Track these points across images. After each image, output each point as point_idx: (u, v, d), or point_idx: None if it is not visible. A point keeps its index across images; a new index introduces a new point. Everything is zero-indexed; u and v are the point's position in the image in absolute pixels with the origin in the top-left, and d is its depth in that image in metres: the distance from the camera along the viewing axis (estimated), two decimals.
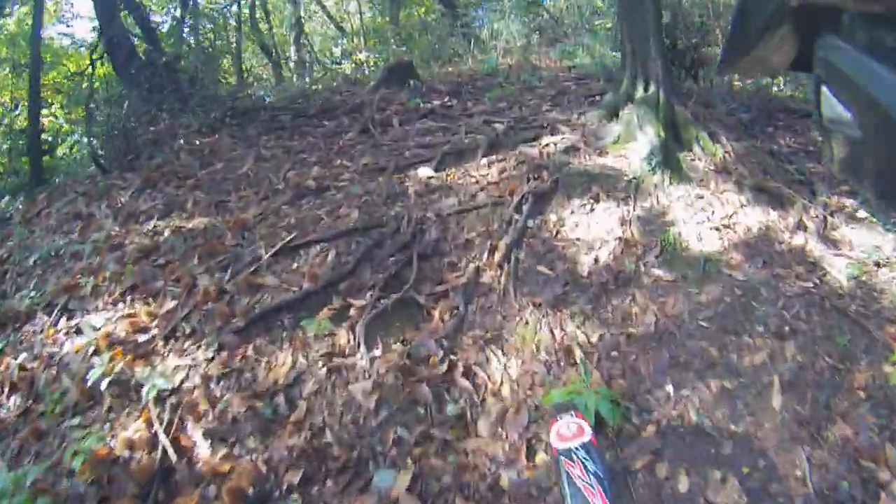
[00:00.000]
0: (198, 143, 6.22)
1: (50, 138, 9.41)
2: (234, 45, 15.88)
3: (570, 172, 4.25)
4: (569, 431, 1.41)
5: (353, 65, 14.24)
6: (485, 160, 4.75)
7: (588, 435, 1.42)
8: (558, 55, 12.24)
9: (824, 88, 0.55)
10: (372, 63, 13.43)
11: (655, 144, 4.20)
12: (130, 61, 7.42)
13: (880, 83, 0.45)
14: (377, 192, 4.38)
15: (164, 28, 10.68)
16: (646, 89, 4.78)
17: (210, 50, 8.05)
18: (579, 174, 4.20)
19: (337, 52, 19.77)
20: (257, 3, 17.76)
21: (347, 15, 19.03)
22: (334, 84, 9.64)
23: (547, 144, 4.81)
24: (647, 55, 4.87)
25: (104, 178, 5.95)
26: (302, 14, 18.14)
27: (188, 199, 4.88)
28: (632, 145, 4.44)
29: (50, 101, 10.86)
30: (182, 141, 6.41)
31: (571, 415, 1.50)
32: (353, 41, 18.48)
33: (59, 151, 9.67)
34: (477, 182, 4.42)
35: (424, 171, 4.69)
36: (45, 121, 9.48)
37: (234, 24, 17.02)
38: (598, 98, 5.86)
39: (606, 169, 4.24)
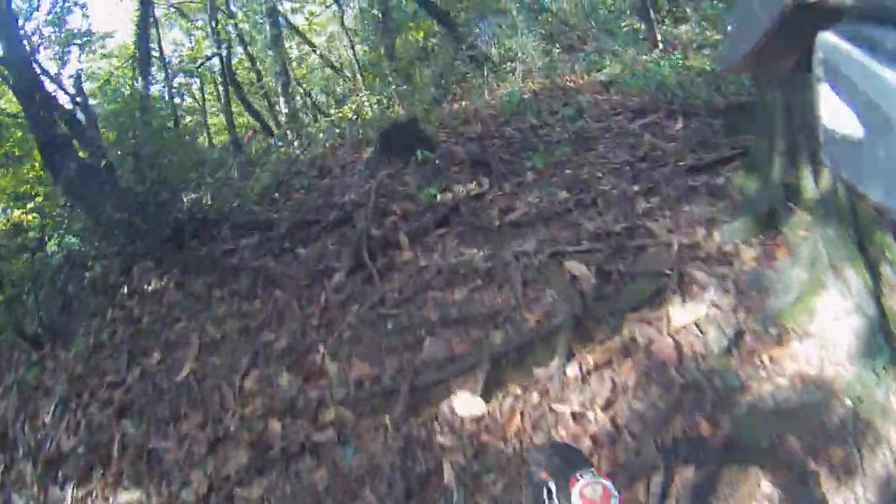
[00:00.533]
0: (135, 304, 4.44)
1: None
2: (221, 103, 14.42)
3: (745, 411, 2.29)
4: (595, 495, 1.21)
5: (353, 105, 12.55)
6: (571, 367, 2.70)
7: (615, 499, 1.21)
8: (584, 67, 10.32)
9: (824, 88, 0.52)
10: (374, 102, 11.64)
11: (871, 313, 2.25)
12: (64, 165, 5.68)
13: (880, 83, 0.43)
14: (383, 455, 2.47)
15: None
16: (815, 177, 2.81)
17: (169, 133, 6.24)
18: (762, 412, 2.25)
19: (338, 90, 18.21)
20: (242, 52, 16.26)
21: (341, 51, 17.38)
22: (325, 147, 7.86)
23: (681, 327, 2.72)
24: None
25: (33, 368, 4.27)
26: (290, 58, 16.49)
27: (114, 439, 3.13)
28: (824, 310, 2.45)
29: None
30: (124, 292, 4.67)
31: (592, 474, 1.27)
32: (349, 80, 16.83)
33: None
34: (566, 428, 2.43)
35: (464, 404, 2.68)
36: None
37: (215, 80, 15.49)
38: (699, 165, 3.94)
39: (803, 389, 2.28)
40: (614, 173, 4.18)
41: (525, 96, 8.13)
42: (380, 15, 15.58)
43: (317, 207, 4.82)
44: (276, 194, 5.85)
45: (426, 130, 5.98)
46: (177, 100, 15.94)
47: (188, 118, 18.01)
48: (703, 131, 4.61)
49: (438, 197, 4.48)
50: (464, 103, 9.76)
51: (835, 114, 0.51)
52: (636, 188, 3.88)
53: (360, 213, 4.39)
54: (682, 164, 4.03)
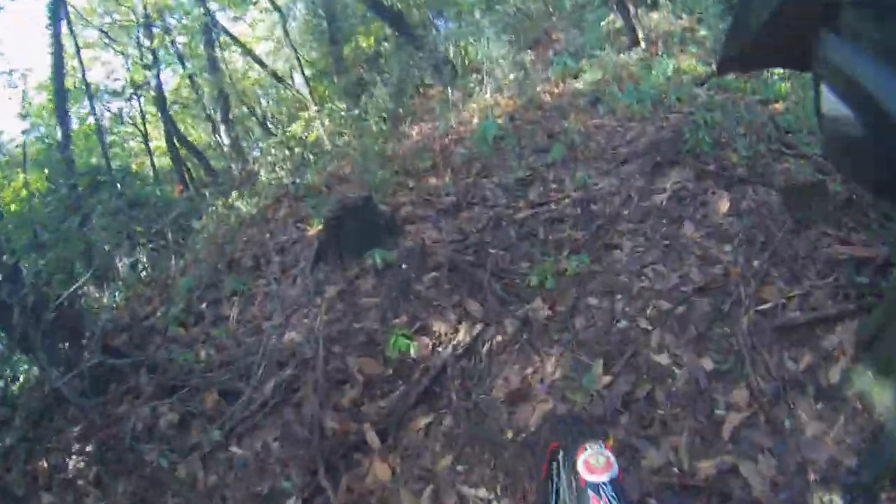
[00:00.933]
0: None
1: None
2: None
3: None
4: (598, 464, 1.31)
5: (302, 123, 11.20)
6: None
7: (615, 469, 1.31)
8: (558, 72, 9.09)
9: (824, 87, 0.54)
10: (327, 123, 10.27)
11: None
12: None
13: (880, 82, 0.45)
14: None
15: None
16: None
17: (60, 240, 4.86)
18: None
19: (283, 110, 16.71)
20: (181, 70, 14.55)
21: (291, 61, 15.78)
22: (265, 204, 6.58)
23: None
24: None
25: None
26: (229, 75, 14.88)
27: None
28: None
29: None
30: None
31: (600, 445, 1.36)
32: (295, 92, 15.31)
33: None
34: None
35: None
36: None
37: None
38: (793, 323, 2.67)
39: None
40: (665, 322, 2.95)
41: (499, 121, 6.89)
42: (324, 23, 14.01)
43: (248, 366, 3.46)
44: (204, 305, 4.52)
45: (385, 211, 4.69)
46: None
47: (130, 142, 16.36)
48: (763, 221, 3.38)
49: (413, 349, 3.23)
50: (426, 128, 8.48)
51: (834, 111, 0.51)
52: (709, 366, 2.62)
53: (307, 378, 3.11)
54: (764, 306, 2.86)
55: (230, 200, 7.55)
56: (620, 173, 4.54)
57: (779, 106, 6.17)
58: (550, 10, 16.21)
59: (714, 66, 7.82)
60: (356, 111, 9.53)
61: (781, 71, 6.44)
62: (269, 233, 5.51)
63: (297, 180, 7.26)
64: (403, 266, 3.59)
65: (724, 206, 3.88)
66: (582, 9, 12.73)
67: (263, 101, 18.41)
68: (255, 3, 14.85)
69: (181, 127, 15.68)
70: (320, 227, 4.85)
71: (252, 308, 4.25)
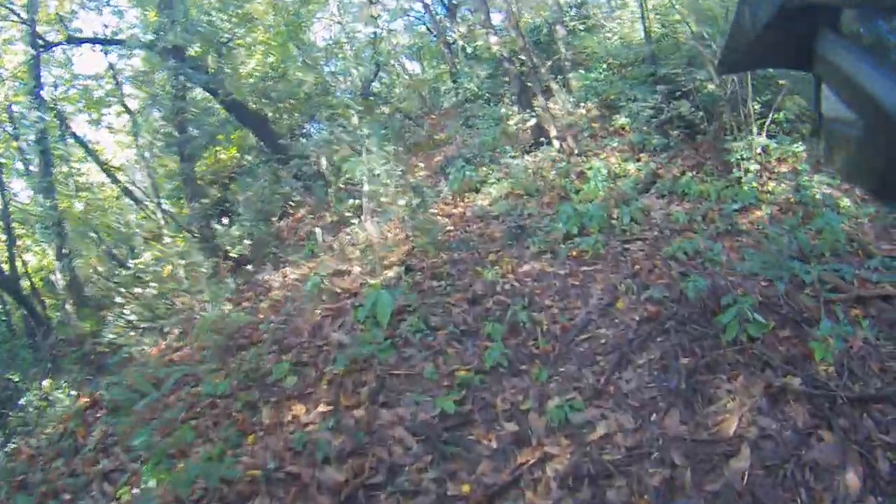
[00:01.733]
0: None
1: None
2: None
3: None
4: None
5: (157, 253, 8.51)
6: None
7: None
8: (457, 186, 7.30)
9: (824, 87, 0.54)
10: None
11: None
12: None
13: (880, 82, 0.44)
14: None
15: None
16: None
17: None
18: None
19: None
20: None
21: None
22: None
23: None
24: None
25: None
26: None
27: None
28: None
29: None
30: None
31: None
32: (150, 216, 12.44)
33: None
34: None
35: None
36: None
37: None
38: None
39: None
40: None
41: (391, 273, 4.81)
42: (175, 132, 11.35)
43: None
44: None
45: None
46: None
47: None
48: None
49: None
50: (292, 277, 6.26)
51: (834, 112, 0.51)
52: None
53: None
54: None
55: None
56: (625, 395, 2.55)
57: (760, 213, 4.68)
58: (427, 106, 14.79)
59: (644, 166, 6.45)
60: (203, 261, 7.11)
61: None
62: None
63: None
64: None
65: (856, 482, 1.96)
66: (469, 103, 11.35)
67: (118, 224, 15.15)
68: (109, 106, 12.01)
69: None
70: None
71: None
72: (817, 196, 4.31)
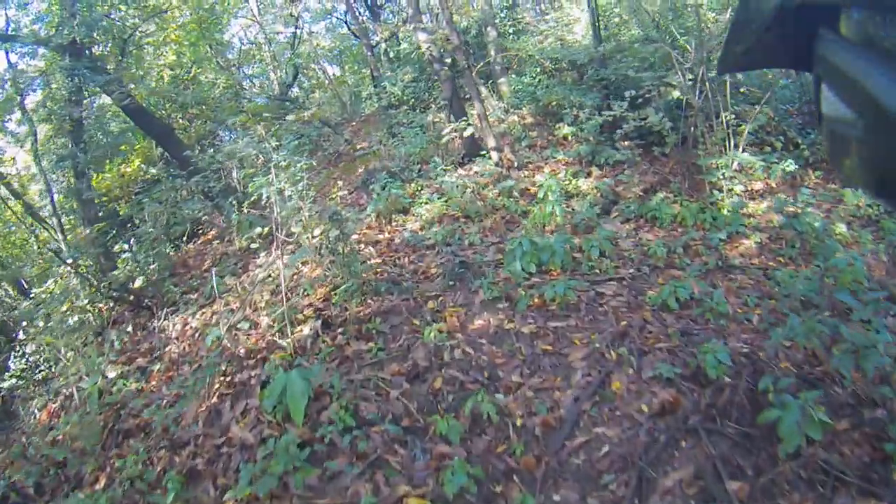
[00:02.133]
0: None
1: None
2: None
3: None
4: None
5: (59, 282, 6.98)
6: None
7: None
8: (382, 208, 6.22)
9: (824, 87, 0.53)
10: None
11: None
12: None
13: (880, 82, 0.44)
14: None
15: None
16: None
17: None
18: None
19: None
20: None
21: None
22: None
23: None
24: None
25: None
26: None
27: None
28: None
29: None
30: None
31: None
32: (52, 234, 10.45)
33: None
34: None
35: None
36: None
37: None
38: None
39: None
40: None
41: (307, 330, 3.72)
42: (70, 143, 9.41)
43: None
44: None
45: None
46: None
47: None
48: None
49: None
50: (193, 324, 5.01)
51: (835, 112, 0.49)
52: None
53: None
54: None
55: None
56: None
57: (748, 242, 3.99)
58: (348, 113, 13.56)
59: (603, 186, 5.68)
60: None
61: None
62: None
63: None
64: None
65: None
66: (393, 109, 10.33)
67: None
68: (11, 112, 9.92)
69: None
70: None
71: None
72: (816, 224, 3.62)
